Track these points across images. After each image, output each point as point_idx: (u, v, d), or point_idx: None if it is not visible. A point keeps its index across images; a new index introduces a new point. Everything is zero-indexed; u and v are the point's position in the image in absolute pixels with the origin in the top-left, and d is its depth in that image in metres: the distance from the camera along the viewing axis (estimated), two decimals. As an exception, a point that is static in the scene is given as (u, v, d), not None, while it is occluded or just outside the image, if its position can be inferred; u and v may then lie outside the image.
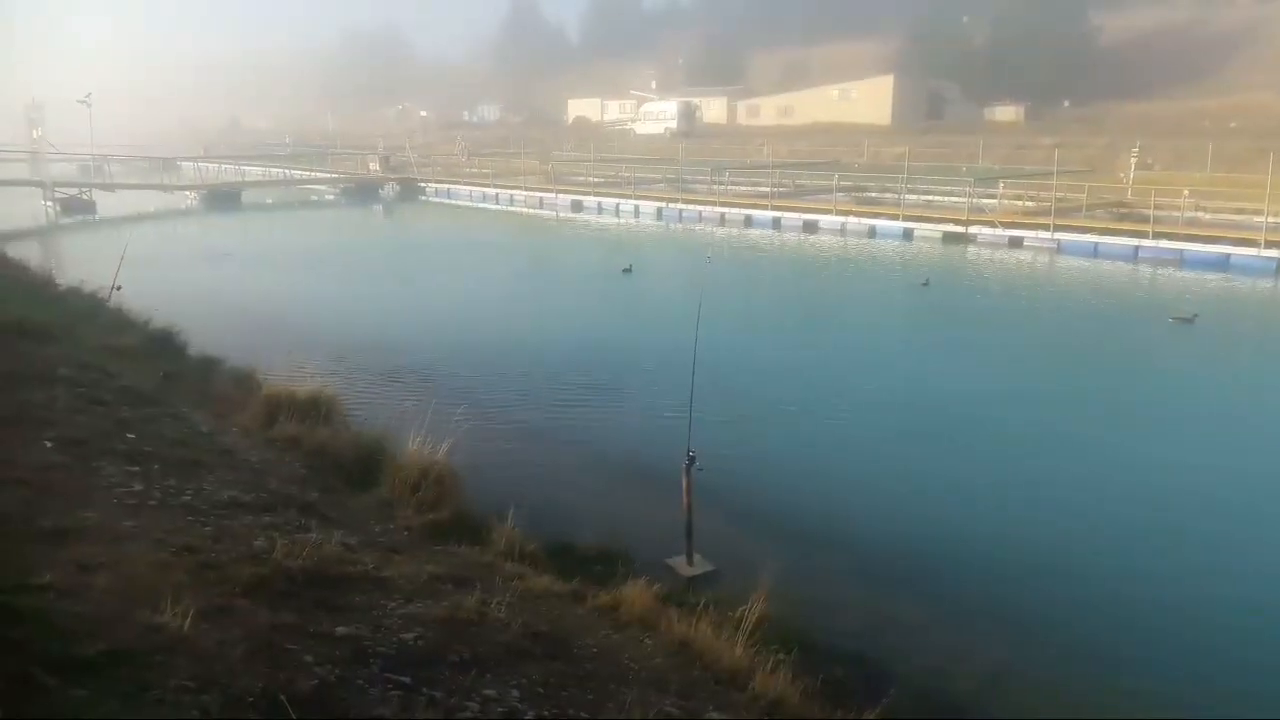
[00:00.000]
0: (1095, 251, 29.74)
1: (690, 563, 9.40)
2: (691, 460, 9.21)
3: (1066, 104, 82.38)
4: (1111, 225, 31.41)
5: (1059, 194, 33.46)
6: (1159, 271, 27.80)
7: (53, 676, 3.70)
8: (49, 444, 7.68)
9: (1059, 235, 30.67)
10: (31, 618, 4.43)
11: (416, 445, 9.63)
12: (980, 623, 8.80)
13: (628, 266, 27.95)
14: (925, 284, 25.47)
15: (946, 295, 25.36)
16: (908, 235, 33.97)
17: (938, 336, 21.07)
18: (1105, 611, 8.99)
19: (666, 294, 26.04)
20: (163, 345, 16.35)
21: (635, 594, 7.18)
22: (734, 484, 10.86)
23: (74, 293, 20.47)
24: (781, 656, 6.82)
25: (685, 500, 9.30)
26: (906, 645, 8.30)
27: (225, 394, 12.93)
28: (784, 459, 12.55)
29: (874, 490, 11.63)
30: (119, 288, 18.76)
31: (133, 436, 8.91)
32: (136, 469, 7.59)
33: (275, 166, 66.47)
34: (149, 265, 27.10)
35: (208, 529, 6.48)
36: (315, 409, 11.35)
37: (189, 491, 7.37)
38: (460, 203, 52.08)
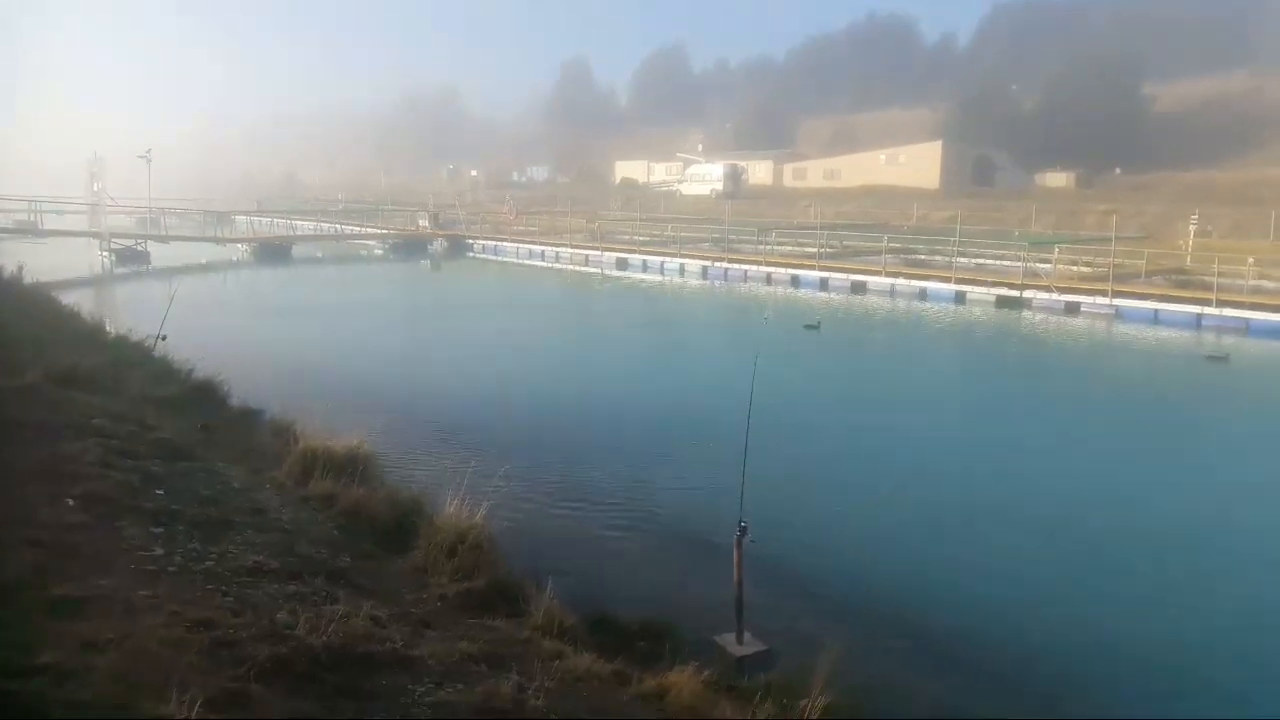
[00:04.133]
0: (1155, 319, 28.84)
1: (740, 641, 8.78)
2: (743, 531, 8.65)
3: (1118, 171, 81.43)
4: (1171, 291, 30.50)
5: (1115, 260, 32.68)
6: (1224, 339, 26.89)
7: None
8: (72, 501, 7.35)
9: (1118, 301, 29.82)
10: (24, 707, 4.02)
11: (454, 506, 9.18)
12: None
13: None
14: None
15: (1021, 363, 24.65)
16: (960, 298, 33.26)
17: (1014, 407, 20.19)
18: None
19: (718, 354, 25.53)
20: (203, 396, 16.17)
21: (683, 680, 6.60)
22: (787, 557, 10.26)
23: (121, 342, 20.51)
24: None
25: (736, 574, 8.72)
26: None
27: (263, 447, 12.61)
28: (842, 533, 11.84)
29: (942, 569, 10.88)
30: (164, 337, 18.72)
31: (161, 493, 8.57)
32: (160, 530, 7.23)
33: (327, 221, 67.54)
34: (197, 315, 27.30)
35: (228, 599, 6.06)
36: (352, 465, 10.97)
37: (212, 556, 6.97)
38: (506, 259, 52.29)
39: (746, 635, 8.82)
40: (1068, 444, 16.64)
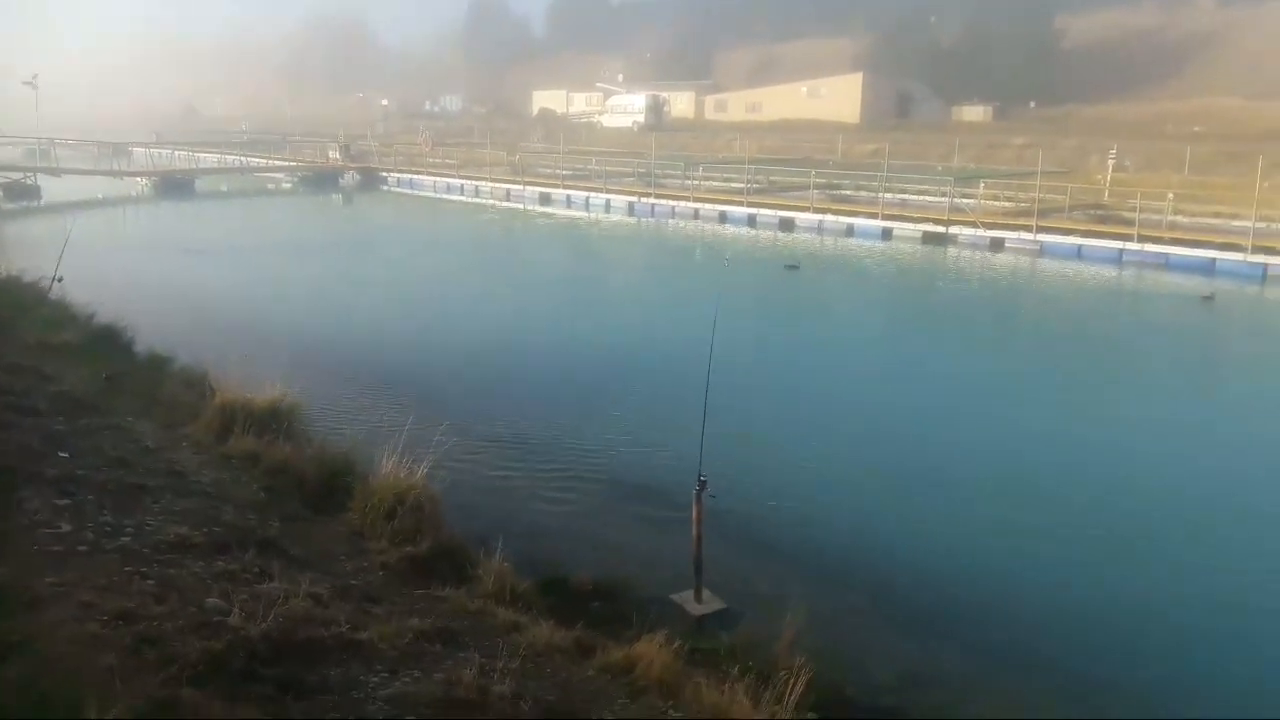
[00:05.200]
0: (1079, 254, 29.16)
1: (699, 600, 8.42)
2: (703, 485, 8.23)
3: (1033, 105, 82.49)
4: (1093, 227, 30.88)
5: (1037, 195, 32.92)
6: (1144, 274, 27.39)
7: None
8: (-40, 471, 6.55)
9: (1041, 237, 30.08)
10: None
11: (391, 464, 8.56)
12: (1023, 673, 7.93)
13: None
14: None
15: (971, 304, 24.51)
16: (886, 235, 33.19)
17: (973, 351, 19.84)
18: (1166, 662, 8.16)
19: (669, 297, 24.84)
20: (107, 343, 15.08)
21: (652, 651, 6.19)
22: (740, 510, 9.90)
23: (11, 284, 19.05)
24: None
25: (695, 530, 8.32)
26: (950, 701, 7.43)
27: (175, 399, 11.72)
28: (798, 484, 11.45)
29: (903, 520, 10.63)
30: (60, 279, 17.41)
31: (65, 456, 7.78)
32: (67, 501, 6.48)
33: (231, 154, 64.48)
34: (95, 255, 25.65)
35: (149, 583, 5.40)
36: (275, 420, 10.23)
37: (129, 529, 6.26)
38: (423, 193, 50.60)
39: (705, 593, 8.46)
40: (1032, 388, 16.41)
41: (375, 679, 5.01)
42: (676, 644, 6.30)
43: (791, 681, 5.76)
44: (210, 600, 5.29)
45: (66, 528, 5.90)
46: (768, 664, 6.94)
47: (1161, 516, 10.85)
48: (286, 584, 5.94)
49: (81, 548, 5.66)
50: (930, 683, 7.72)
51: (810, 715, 5.88)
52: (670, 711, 5.67)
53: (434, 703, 4.79)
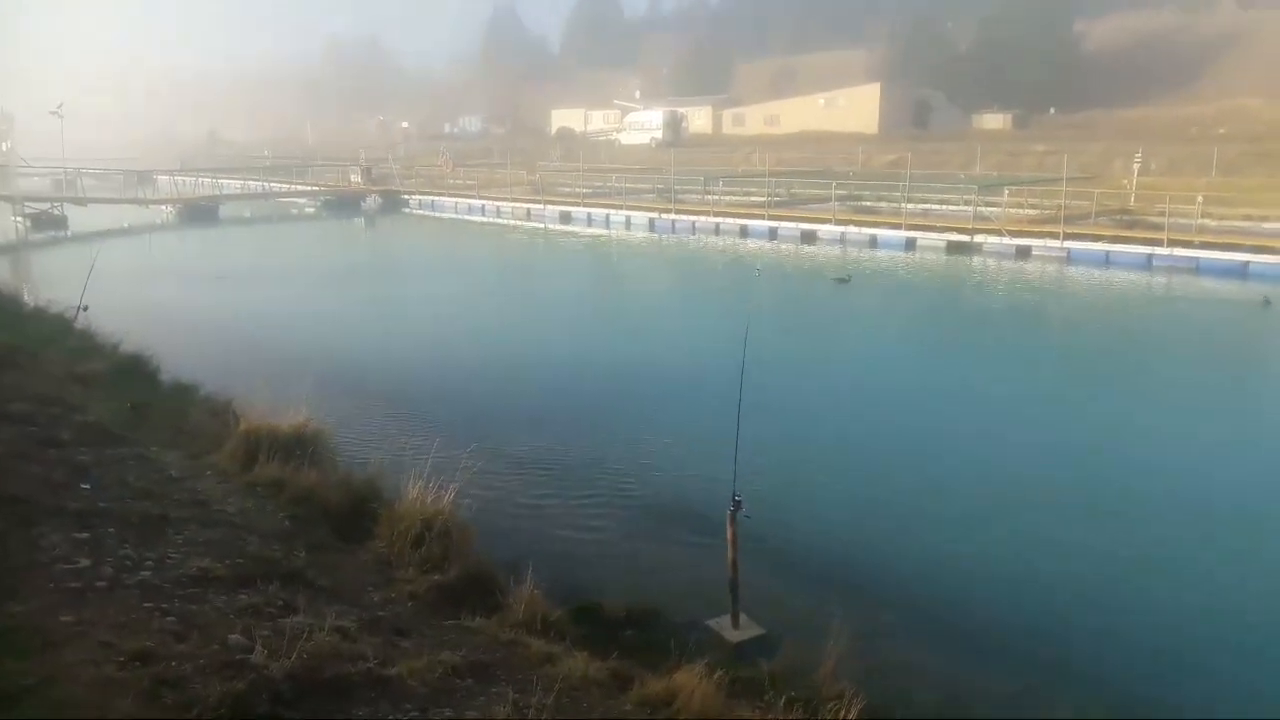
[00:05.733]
0: (1107, 260, 28.76)
1: (736, 625, 8.16)
2: (737, 505, 7.98)
3: (1053, 111, 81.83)
4: (1121, 233, 30.43)
5: (1061, 201, 32.52)
6: (1174, 279, 26.89)
7: None
8: (-21, 507, 6.41)
9: (1069, 244, 29.67)
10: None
11: (417, 490, 8.37)
12: (1071, 693, 7.61)
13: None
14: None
15: (1011, 316, 24.04)
16: (910, 245, 32.90)
17: (1017, 365, 19.26)
18: (1216, 679, 7.82)
19: (698, 314, 24.58)
20: (132, 372, 15.02)
21: (692, 682, 5.93)
22: (777, 532, 9.63)
23: (38, 315, 19.12)
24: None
25: (730, 553, 8.06)
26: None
27: (200, 428, 11.60)
28: (836, 504, 11.14)
29: (945, 540, 10.31)
30: (85, 308, 17.46)
31: (87, 488, 7.64)
32: (86, 535, 6.32)
33: (254, 180, 64.99)
34: (121, 283, 25.75)
35: (170, 619, 5.21)
36: (300, 446, 10.06)
37: (149, 563, 6.09)
38: (444, 215, 50.74)
39: (742, 618, 8.20)
40: (1077, 403, 15.91)
41: (405, 718, 4.80)
42: (718, 675, 6.04)
43: (842, 712, 5.48)
44: (233, 637, 5.10)
45: (85, 562, 5.73)
46: (811, 692, 6.69)
47: (1224, 532, 10.48)
48: (312, 618, 5.74)
49: (100, 583, 5.49)
50: (978, 706, 7.43)
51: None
52: (713, 747, 5.42)
53: (467, 743, 4.57)
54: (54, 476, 7.53)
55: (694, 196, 43.66)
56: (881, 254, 32.88)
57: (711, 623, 8.20)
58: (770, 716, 5.64)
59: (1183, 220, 29.76)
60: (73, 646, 4.53)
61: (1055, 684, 7.65)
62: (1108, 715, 7.21)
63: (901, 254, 32.56)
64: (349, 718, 4.64)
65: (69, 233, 42.05)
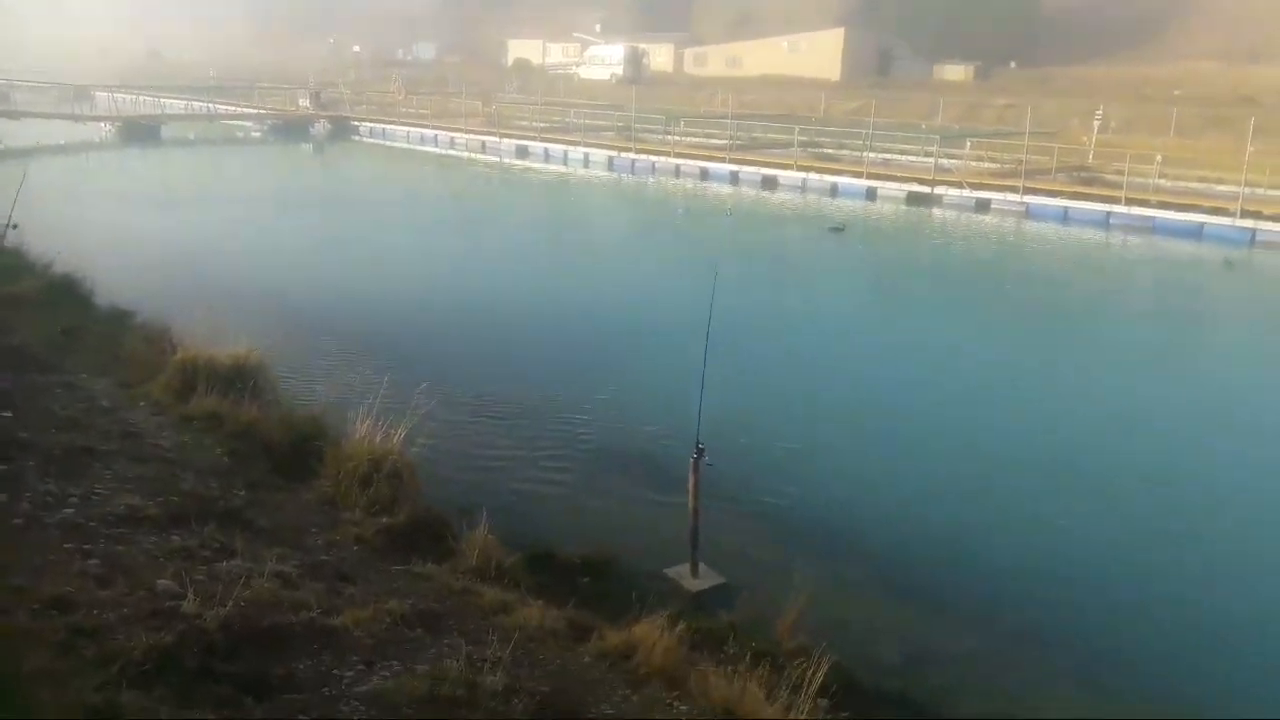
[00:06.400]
0: (1065, 217, 28.75)
1: (695, 574, 7.94)
2: (700, 453, 7.71)
3: (1013, 65, 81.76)
4: (1080, 189, 30.44)
5: (1021, 156, 32.42)
6: (1131, 238, 27.01)
7: None
8: (-117, 435, 5.90)
9: (1028, 198, 29.61)
10: None
11: (365, 428, 7.96)
12: (1037, 650, 7.53)
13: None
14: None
15: (976, 269, 23.88)
16: (871, 194, 32.61)
17: (977, 316, 19.13)
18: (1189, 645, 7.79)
19: (663, 257, 23.99)
20: (64, 295, 14.29)
21: (653, 635, 5.68)
22: (740, 483, 9.40)
23: (-38, 231, 18.14)
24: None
25: (691, 501, 7.81)
26: (952, 684, 7.02)
27: (135, 356, 11.00)
28: (800, 457, 10.89)
29: (909, 493, 10.18)
30: (14, 226, 16.52)
31: (9, 416, 7.13)
32: (4, 467, 5.85)
33: (198, 100, 62.58)
34: (56, 202, 24.60)
35: (93, 561, 4.80)
36: (240, 378, 9.59)
37: (73, 500, 5.65)
38: (396, 144, 49.33)
39: (701, 567, 7.98)
40: (1050, 360, 15.81)
41: (350, 673, 4.48)
42: (680, 628, 5.79)
43: (810, 671, 5.25)
44: (162, 582, 4.71)
45: (1, 498, 5.28)
46: (773, 645, 6.51)
47: (1193, 493, 10.50)
48: (250, 561, 5.38)
49: (16, 521, 5.05)
50: (938, 664, 7.31)
51: (830, 717, 5.37)
52: (677, 704, 5.18)
53: (417, 701, 4.26)
54: (-29, 403, 7.02)
55: (654, 136, 42.86)
56: (843, 202, 32.51)
57: (670, 571, 7.98)
58: (734, 674, 5.36)
59: (1139, 180, 29.82)
60: (-19, 592, 4.11)
61: (1019, 643, 7.55)
62: (1076, 680, 7.12)
63: (862, 202, 32.26)
64: (288, 671, 4.30)
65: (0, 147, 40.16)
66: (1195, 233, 26.24)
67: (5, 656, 3.56)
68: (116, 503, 5.79)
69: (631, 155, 39.63)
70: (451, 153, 45.91)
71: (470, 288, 19.30)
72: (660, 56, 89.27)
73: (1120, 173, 29.81)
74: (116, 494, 5.98)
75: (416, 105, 57.49)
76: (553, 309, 17.67)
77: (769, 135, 42.53)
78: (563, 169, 40.90)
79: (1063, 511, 9.71)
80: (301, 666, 4.41)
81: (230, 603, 4.54)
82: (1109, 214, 28.04)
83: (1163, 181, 30.58)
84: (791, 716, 5.04)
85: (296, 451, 8.40)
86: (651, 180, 37.61)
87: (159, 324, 12.38)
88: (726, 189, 35.26)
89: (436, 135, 48.19)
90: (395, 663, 4.69)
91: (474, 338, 15.34)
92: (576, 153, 41.63)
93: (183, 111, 58.39)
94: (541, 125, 47.53)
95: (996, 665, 7.35)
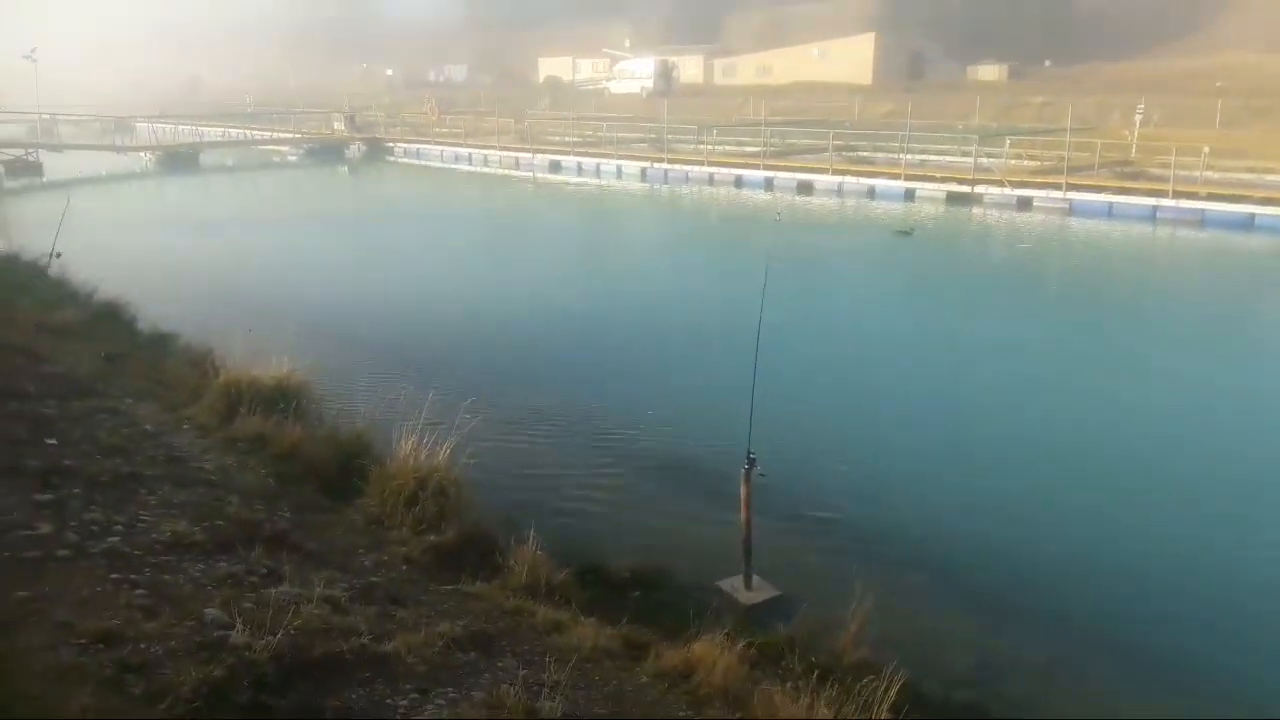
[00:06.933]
0: (1109, 212, 28.20)
1: (749, 587, 7.71)
2: (751, 463, 7.49)
3: (1048, 63, 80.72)
4: (1125, 184, 29.85)
5: (1062, 153, 31.87)
6: (1180, 231, 26.37)
7: None
8: (-71, 466, 5.84)
9: (1071, 195, 29.08)
10: None
11: (410, 446, 7.83)
12: (1104, 659, 7.20)
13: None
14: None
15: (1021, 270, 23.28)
16: (909, 196, 32.24)
17: (1040, 322, 18.46)
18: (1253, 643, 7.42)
19: (698, 267, 23.77)
20: (107, 321, 14.39)
21: (713, 653, 5.46)
22: (793, 492, 9.15)
23: (10, 262, 18.38)
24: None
25: (743, 512, 7.59)
26: (1025, 693, 6.72)
27: (178, 379, 11.01)
28: (853, 465, 10.64)
29: (967, 499, 9.87)
30: (59, 255, 16.76)
31: (54, 443, 7.07)
32: (49, 496, 5.76)
33: (235, 127, 63.51)
34: (98, 231, 24.98)
35: (139, 592, 4.67)
36: (284, 399, 9.50)
37: (118, 528, 5.54)
38: (431, 163, 49.68)
39: (755, 579, 7.74)
40: (1115, 361, 15.29)
41: (405, 701, 4.31)
42: (741, 645, 5.57)
43: (881, 688, 5.01)
44: (210, 611, 4.57)
45: (46, 529, 5.18)
46: (833, 659, 6.26)
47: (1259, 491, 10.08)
48: (298, 586, 5.23)
49: (63, 552, 4.93)
50: (1012, 670, 7.03)
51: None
52: (740, 728, 4.95)
53: (475, 730, 4.08)
54: (14, 432, 6.96)
55: (687, 146, 42.74)
56: (880, 205, 32.14)
57: (723, 584, 7.76)
58: (798, 692, 5.14)
59: (1185, 173, 29.17)
60: (27, 628, 3.99)
61: (1089, 651, 7.23)
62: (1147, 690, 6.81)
63: (900, 204, 31.84)
64: (342, 703, 4.14)
65: (44, 179, 40.91)
66: (1246, 224, 25.59)
67: (53, 696, 3.43)
68: (162, 529, 5.67)
69: (664, 165, 39.53)
70: (485, 170, 46.13)
71: (512, 301, 19.22)
72: (690, 68, 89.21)
73: (1165, 166, 29.21)
74: (162, 520, 5.86)
75: (450, 125, 57.90)
76: (597, 320, 17.54)
77: (803, 141, 42.23)
78: (596, 181, 40.87)
79: (1133, 513, 9.36)
80: (355, 696, 4.24)
81: (280, 631, 4.39)
82: (1155, 208, 27.43)
83: (1210, 174, 29.90)
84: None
85: (342, 471, 8.29)
86: (685, 189, 37.46)
87: (201, 347, 12.39)
88: (763, 195, 34.98)
89: (470, 154, 48.47)
90: (450, 689, 4.52)
91: (517, 351, 15.23)
92: (609, 165, 41.63)
93: (220, 139, 59.23)
94: (573, 140, 47.62)
95: (1071, 672, 7.05)
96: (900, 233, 26.54)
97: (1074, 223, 28.11)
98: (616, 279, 22.12)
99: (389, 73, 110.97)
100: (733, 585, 7.76)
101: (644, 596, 7.30)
